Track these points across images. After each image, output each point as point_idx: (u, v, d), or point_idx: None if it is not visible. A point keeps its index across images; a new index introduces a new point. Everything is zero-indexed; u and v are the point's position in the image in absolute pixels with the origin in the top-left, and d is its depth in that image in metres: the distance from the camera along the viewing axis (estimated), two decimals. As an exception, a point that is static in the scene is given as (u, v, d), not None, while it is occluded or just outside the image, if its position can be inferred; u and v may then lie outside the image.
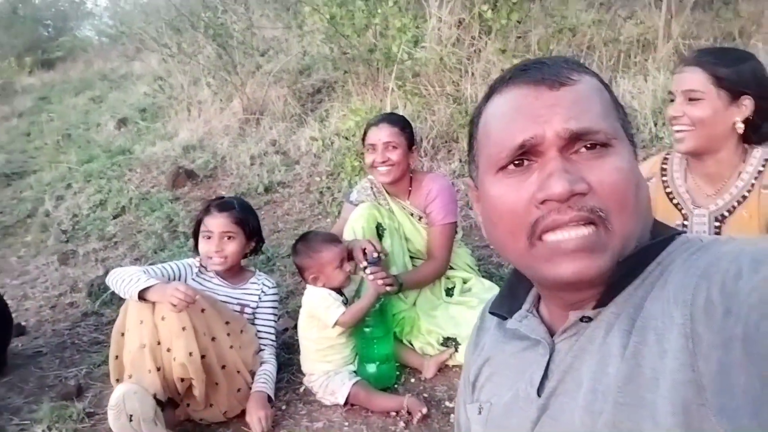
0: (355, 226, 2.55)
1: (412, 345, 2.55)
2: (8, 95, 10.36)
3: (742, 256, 0.59)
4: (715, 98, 1.71)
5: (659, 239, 0.73)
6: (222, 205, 2.45)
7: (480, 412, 0.87)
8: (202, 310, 2.12)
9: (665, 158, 1.96)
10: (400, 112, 4.68)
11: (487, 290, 2.63)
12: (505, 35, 4.67)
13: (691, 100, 1.73)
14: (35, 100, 9.90)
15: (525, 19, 4.86)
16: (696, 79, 1.72)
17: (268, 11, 7.40)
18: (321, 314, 2.33)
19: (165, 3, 6.76)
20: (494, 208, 0.75)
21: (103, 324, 3.24)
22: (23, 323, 3.33)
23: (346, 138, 4.68)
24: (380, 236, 2.57)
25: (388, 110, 4.46)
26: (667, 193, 1.90)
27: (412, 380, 2.44)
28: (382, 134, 2.52)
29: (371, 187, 2.75)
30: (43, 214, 5.19)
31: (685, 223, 1.84)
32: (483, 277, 2.83)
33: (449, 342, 2.47)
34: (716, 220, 1.80)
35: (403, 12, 4.69)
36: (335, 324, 2.30)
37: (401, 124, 2.60)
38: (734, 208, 1.77)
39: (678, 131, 1.77)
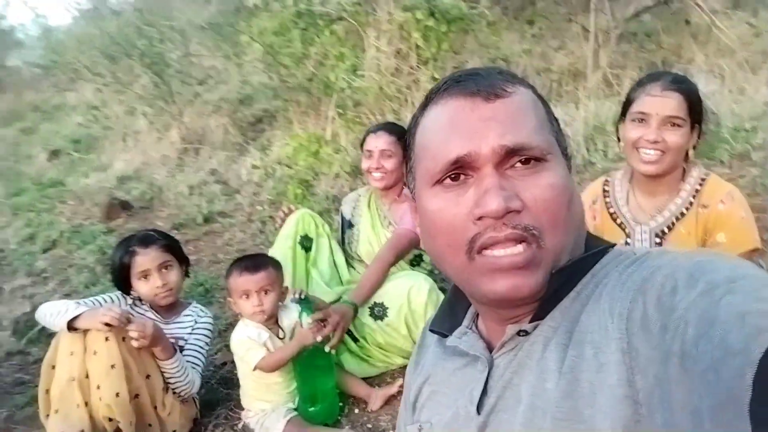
0: (282, 247, 2.58)
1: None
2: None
3: (677, 270, 0.59)
4: (688, 125, 1.78)
5: (592, 251, 0.74)
6: (144, 239, 2.32)
7: None
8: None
9: (606, 181, 2.05)
10: (342, 140, 4.69)
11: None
12: (441, 65, 4.76)
13: (672, 125, 1.76)
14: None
15: (460, 49, 4.98)
16: (679, 105, 1.75)
17: (206, 40, 7.34)
18: (243, 357, 2.21)
19: (99, 32, 6.60)
20: (432, 222, 0.74)
21: (29, 363, 3.05)
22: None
23: (288, 166, 4.62)
24: (307, 249, 2.61)
25: (329, 138, 4.47)
26: (611, 214, 1.98)
27: (356, 411, 2.39)
28: (380, 142, 2.55)
29: (359, 196, 2.86)
30: (-34, 251, 4.91)
31: (628, 240, 1.92)
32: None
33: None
34: (656, 236, 1.87)
35: (342, 41, 4.73)
36: (255, 368, 2.18)
37: (399, 133, 2.57)
38: (673, 224, 1.86)
39: (648, 154, 1.79)
